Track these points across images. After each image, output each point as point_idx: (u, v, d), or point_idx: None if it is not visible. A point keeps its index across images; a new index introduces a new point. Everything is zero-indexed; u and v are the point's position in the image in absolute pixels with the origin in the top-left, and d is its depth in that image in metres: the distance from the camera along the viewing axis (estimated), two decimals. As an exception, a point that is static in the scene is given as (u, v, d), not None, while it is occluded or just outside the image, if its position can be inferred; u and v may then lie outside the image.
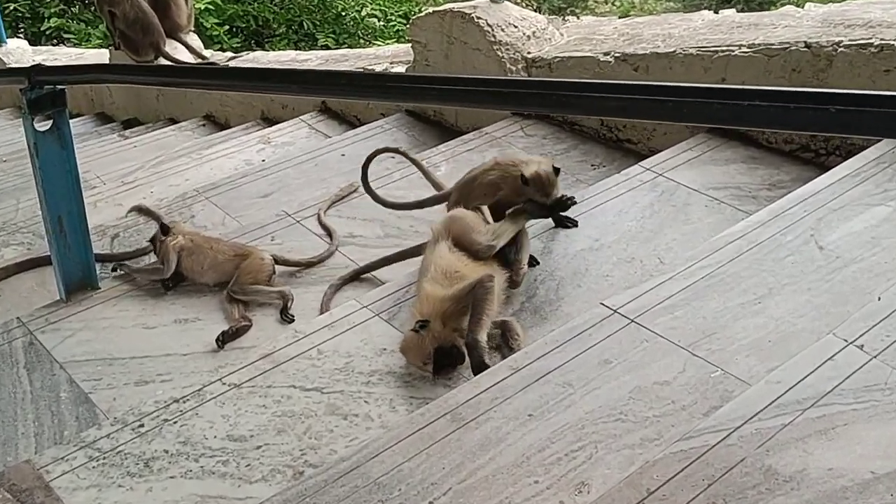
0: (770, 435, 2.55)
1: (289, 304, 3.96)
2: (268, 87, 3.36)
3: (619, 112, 1.93)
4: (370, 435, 3.06)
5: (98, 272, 4.26)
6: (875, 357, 2.79)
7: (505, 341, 3.44)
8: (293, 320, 3.92)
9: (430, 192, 4.47)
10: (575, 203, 3.95)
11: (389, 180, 4.95)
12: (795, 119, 1.66)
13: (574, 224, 4.02)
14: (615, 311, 3.28)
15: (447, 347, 3.28)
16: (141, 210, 5.10)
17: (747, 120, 1.72)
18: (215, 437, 3.11)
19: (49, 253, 4.06)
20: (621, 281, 3.74)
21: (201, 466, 3.01)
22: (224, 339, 3.79)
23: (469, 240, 3.66)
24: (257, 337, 3.85)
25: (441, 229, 3.79)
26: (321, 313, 3.89)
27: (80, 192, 3.97)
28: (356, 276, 4.15)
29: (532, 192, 3.76)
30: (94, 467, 3.00)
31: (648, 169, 4.52)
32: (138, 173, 6.05)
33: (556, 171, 3.79)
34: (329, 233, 4.48)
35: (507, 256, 3.68)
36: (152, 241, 4.30)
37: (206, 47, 8.92)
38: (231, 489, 2.94)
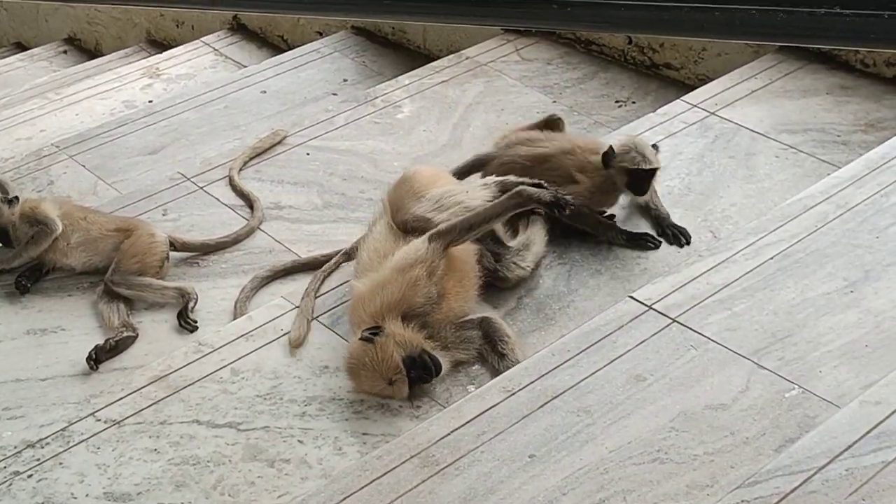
0: (867, 477, 2.57)
1: (190, 305, 3.96)
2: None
3: (644, 26, 1.93)
4: (307, 488, 3.05)
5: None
6: None
7: (492, 347, 3.47)
8: (196, 328, 3.92)
9: (400, 145, 4.48)
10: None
11: (331, 126, 4.95)
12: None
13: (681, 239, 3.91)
14: (650, 306, 3.29)
15: (416, 355, 3.30)
16: (-23, 175, 5.09)
17: (827, 33, 1.71)
18: (87, 495, 3.10)
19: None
20: (659, 263, 3.76)
21: (68, 538, 3.01)
22: (98, 357, 3.78)
23: (403, 208, 3.70)
24: (146, 353, 3.84)
25: (386, 199, 3.83)
26: (235, 317, 3.90)
27: None
28: (292, 272, 4.15)
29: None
30: (-85, 542, 3.00)
31: (696, 105, 4.53)
32: (-28, 122, 6.01)
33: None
34: (248, 202, 4.48)
35: (486, 243, 3.70)
36: None
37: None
38: (111, 569, 2.95)
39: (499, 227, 3.75)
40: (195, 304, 3.97)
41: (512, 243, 3.74)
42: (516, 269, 3.71)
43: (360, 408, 3.34)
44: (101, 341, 3.84)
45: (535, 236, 3.79)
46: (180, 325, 3.93)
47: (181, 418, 3.33)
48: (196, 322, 3.92)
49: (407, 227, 3.63)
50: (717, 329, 3.19)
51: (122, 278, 4.02)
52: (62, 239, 4.14)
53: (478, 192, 3.67)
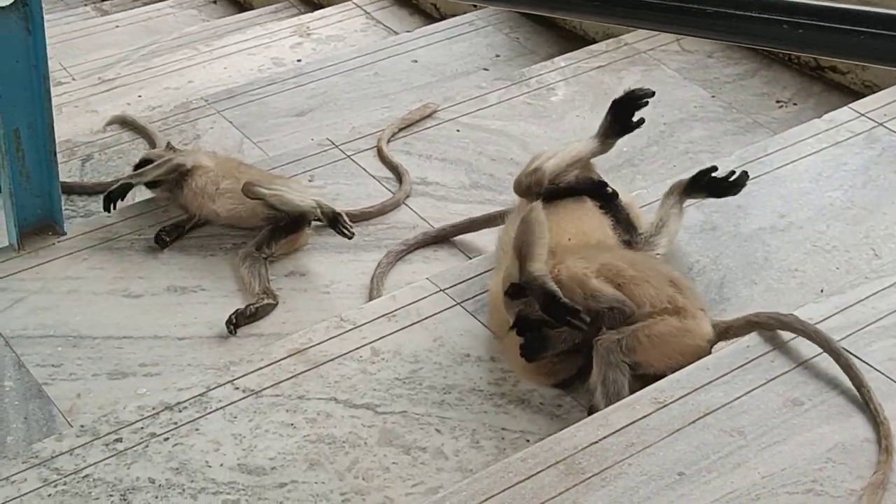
0: None
1: (342, 219, 4.02)
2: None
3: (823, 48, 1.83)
4: (442, 480, 3.02)
5: (63, 209, 4.27)
6: None
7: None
8: (352, 235, 4.01)
9: (551, 130, 4.40)
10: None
11: (483, 104, 4.89)
12: None
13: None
14: (811, 326, 3.20)
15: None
16: (125, 122, 5.11)
17: None
18: (222, 465, 3.10)
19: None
20: (816, 279, 3.66)
21: (200, 506, 3.01)
22: (238, 322, 3.78)
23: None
24: (283, 321, 3.83)
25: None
26: (370, 294, 3.88)
27: (49, 97, 3.97)
28: (423, 244, 4.13)
29: None
30: (49, 496, 3.00)
31: (863, 115, 4.39)
32: (121, 67, 6.06)
33: None
34: (396, 174, 4.44)
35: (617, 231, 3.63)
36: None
37: None
38: (241, 542, 2.93)
39: (634, 212, 3.75)
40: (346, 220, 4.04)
41: (643, 229, 3.69)
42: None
43: (499, 401, 3.29)
44: (239, 305, 3.84)
45: (669, 215, 3.69)
46: (337, 231, 4.01)
47: (319, 395, 3.31)
48: (351, 228, 4.01)
49: (523, 189, 3.66)
50: (881, 357, 3.08)
51: (259, 182, 4.07)
52: (212, 184, 4.15)
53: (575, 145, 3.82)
